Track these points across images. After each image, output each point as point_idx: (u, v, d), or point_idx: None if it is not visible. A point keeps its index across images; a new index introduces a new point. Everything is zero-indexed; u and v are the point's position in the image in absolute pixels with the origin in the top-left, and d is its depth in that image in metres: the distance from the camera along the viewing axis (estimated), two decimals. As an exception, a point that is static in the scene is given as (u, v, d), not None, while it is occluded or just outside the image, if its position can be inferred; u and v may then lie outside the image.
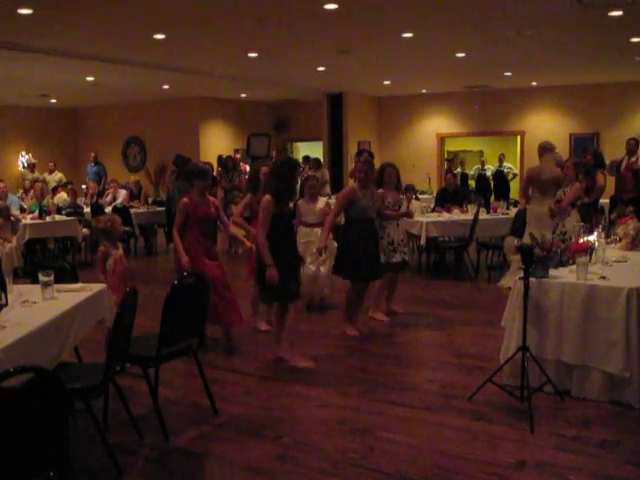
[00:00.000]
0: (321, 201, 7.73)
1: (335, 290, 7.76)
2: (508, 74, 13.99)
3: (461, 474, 3.85)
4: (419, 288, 9.17)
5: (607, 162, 10.80)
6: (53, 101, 17.16)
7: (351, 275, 6.68)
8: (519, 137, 17.27)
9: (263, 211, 5.46)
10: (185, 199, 6.10)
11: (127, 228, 12.54)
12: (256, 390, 5.32)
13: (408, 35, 9.45)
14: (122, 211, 12.66)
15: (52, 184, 14.61)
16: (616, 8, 7.93)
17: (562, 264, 5.24)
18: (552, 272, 5.02)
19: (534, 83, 15.94)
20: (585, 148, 10.64)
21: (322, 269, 7.50)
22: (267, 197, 5.47)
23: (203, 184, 6.16)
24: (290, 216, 5.82)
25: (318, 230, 7.30)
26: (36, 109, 18.15)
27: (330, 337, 6.79)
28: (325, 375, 5.66)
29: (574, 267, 5.01)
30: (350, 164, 14.81)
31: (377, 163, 11.96)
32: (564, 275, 5.03)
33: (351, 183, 6.82)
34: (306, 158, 16.55)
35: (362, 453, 4.14)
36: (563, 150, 12.45)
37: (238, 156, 16.05)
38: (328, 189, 14.67)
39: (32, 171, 15.89)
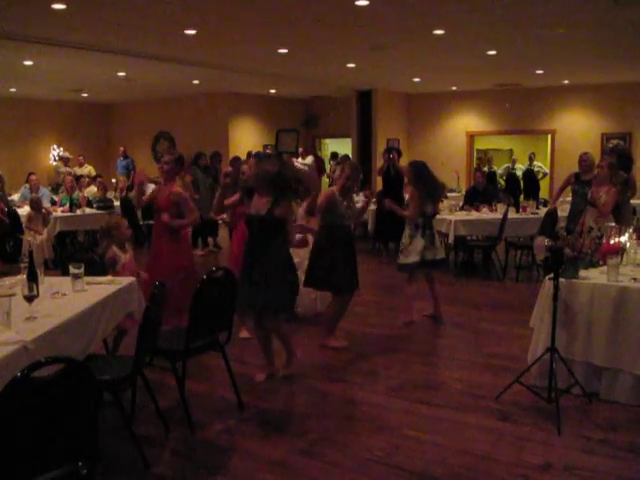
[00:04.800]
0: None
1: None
2: (540, 72, 13.84)
3: (487, 474, 3.83)
4: (446, 287, 9.12)
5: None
6: (85, 95, 17.33)
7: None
8: (550, 136, 17.09)
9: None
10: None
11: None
12: (282, 386, 5.34)
13: (439, 32, 9.38)
14: (151, 205, 12.77)
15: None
16: (652, 6, 7.80)
17: (593, 265, 5.19)
18: (582, 273, 4.96)
19: (566, 81, 15.75)
20: (611, 149, 10.21)
21: None
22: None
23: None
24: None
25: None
26: (68, 103, 18.35)
27: (357, 334, 6.78)
28: (351, 372, 5.66)
29: (605, 268, 4.95)
30: (379, 161, 14.75)
31: (405, 161, 11.90)
32: (594, 276, 4.97)
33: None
34: (334, 155, 16.54)
35: (387, 451, 4.14)
36: (594, 150, 12.27)
37: (269, 152, 16.01)
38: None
39: (66, 165, 16.07)
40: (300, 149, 15.24)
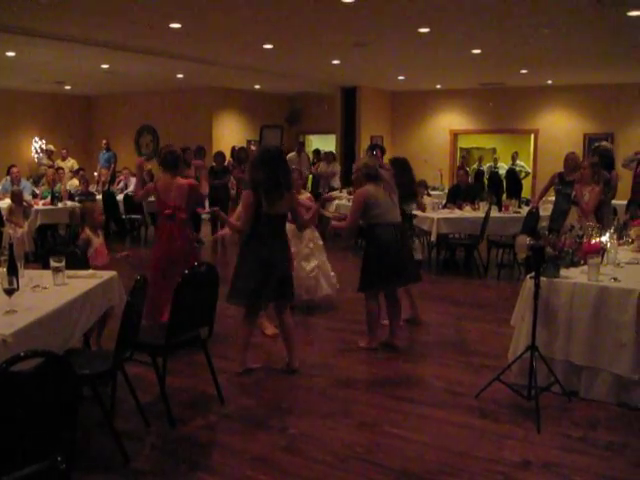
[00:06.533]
0: (304, 195, 7.32)
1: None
2: (524, 71, 13.91)
3: (466, 472, 3.85)
4: (428, 284, 9.14)
5: (620, 161, 10.78)
6: (67, 88, 17.17)
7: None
8: (533, 135, 17.19)
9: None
10: None
11: (138, 216, 12.65)
12: (263, 382, 5.33)
13: (424, 30, 9.40)
14: (134, 199, 12.72)
15: (66, 171, 14.65)
16: (635, 8, 7.85)
17: (573, 264, 5.22)
18: (563, 272, 4.99)
19: (549, 81, 15.84)
20: (594, 148, 10.25)
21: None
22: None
23: None
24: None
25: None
26: (50, 95, 18.16)
27: (336, 331, 6.79)
28: (333, 369, 5.66)
29: (585, 268, 4.99)
30: (362, 158, 14.77)
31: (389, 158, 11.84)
32: (575, 275, 5.00)
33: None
34: (317, 152, 16.52)
35: (368, 447, 4.15)
36: (577, 150, 12.34)
37: (253, 147, 15.98)
38: (338, 182, 14.64)
39: (49, 158, 15.92)
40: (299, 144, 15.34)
